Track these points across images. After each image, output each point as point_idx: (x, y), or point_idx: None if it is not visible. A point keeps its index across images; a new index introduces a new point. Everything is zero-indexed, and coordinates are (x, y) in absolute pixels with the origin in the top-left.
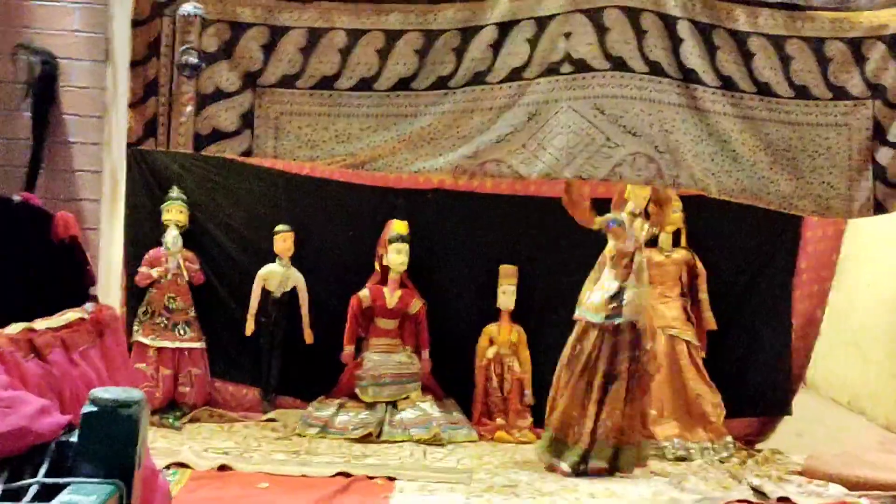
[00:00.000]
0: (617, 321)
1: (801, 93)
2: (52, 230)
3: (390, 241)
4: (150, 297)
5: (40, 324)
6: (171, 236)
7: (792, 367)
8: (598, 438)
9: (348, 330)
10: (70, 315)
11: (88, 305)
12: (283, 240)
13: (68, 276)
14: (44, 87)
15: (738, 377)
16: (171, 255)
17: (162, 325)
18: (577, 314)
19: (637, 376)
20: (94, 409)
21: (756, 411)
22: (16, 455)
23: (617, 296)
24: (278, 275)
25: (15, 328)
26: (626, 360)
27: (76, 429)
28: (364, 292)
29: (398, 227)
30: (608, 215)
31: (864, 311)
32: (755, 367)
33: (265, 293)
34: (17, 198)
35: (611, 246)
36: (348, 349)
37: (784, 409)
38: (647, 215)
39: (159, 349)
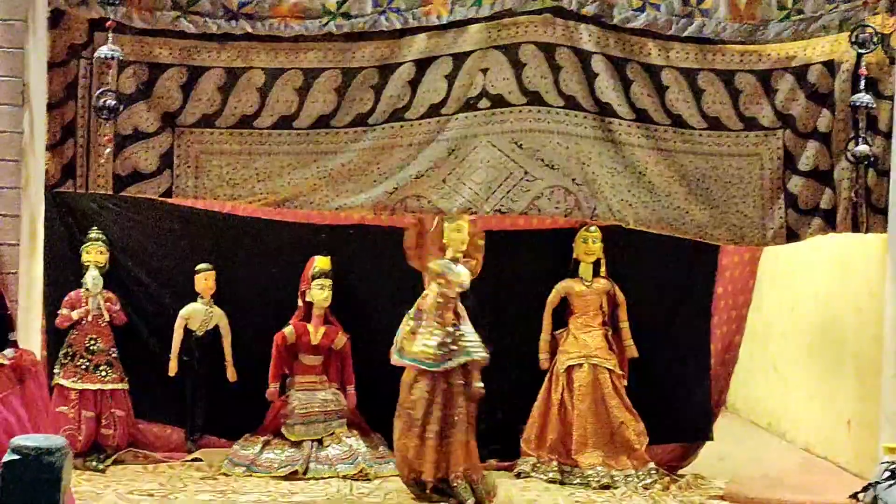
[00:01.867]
0: (449, 365)
1: (714, 124)
2: None
3: (313, 277)
4: (70, 339)
5: None
6: (91, 277)
7: (712, 393)
8: (453, 483)
9: (273, 367)
10: None
11: (8, 351)
12: (205, 279)
13: None
14: None
15: (659, 404)
16: (92, 297)
17: (83, 367)
18: (406, 362)
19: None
20: (17, 457)
21: (678, 437)
22: None
23: (447, 342)
24: (200, 314)
25: None
26: (464, 402)
27: None
28: (289, 329)
29: (321, 262)
30: (444, 261)
31: (782, 335)
32: (676, 393)
33: (188, 332)
34: None
35: (436, 292)
36: (273, 386)
37: (705, 434)
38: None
39: (81, 391)
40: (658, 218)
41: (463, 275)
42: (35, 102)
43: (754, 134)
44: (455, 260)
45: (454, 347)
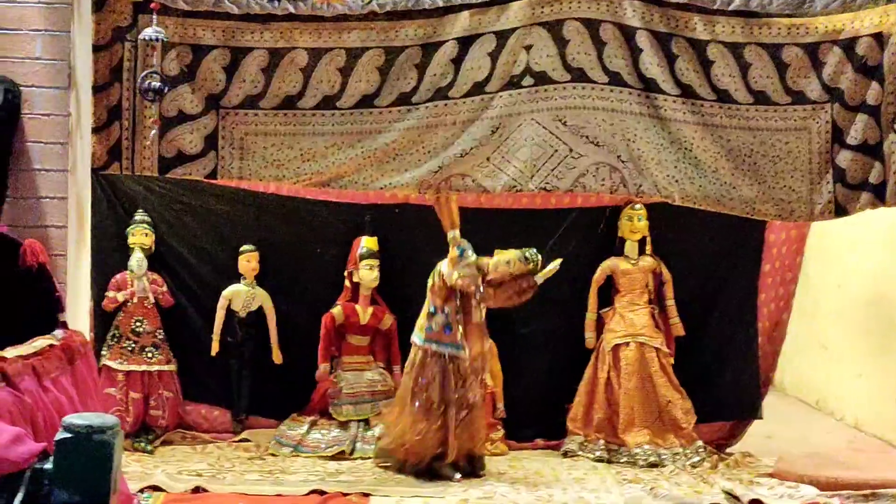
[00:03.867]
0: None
1: (761, 98)
2: (19, 258)
3: (361, 258)
4: (117, 322)
5: (10, 352)
6: (136, 259)
7: (760, 370)
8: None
9: (322, 348)
10: (40, 342)
11: (58, 332)
12: (248, 259)
13: (37, 304)
14: (7, 116)
15: (706, 382)
16: (137, 279)
17: (130, 348)
18: (423, 343)
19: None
20: (68, 435)
21: (725, 415)
22: None
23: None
24: (243, 294)
25: None
26: (477, 383)
27: (50, 456)
28: (337, 309)
29: (369, 243)
30: (462, 241)
31: (830, 313)
32: (723, 371)
33: (231, 313)
34: None
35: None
36: (323, 367)
37: (753, 412)
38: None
39: (128, 373)
40: (704, 194)
41: (452, 276)
42: (81, 85)
43: (802, 108)
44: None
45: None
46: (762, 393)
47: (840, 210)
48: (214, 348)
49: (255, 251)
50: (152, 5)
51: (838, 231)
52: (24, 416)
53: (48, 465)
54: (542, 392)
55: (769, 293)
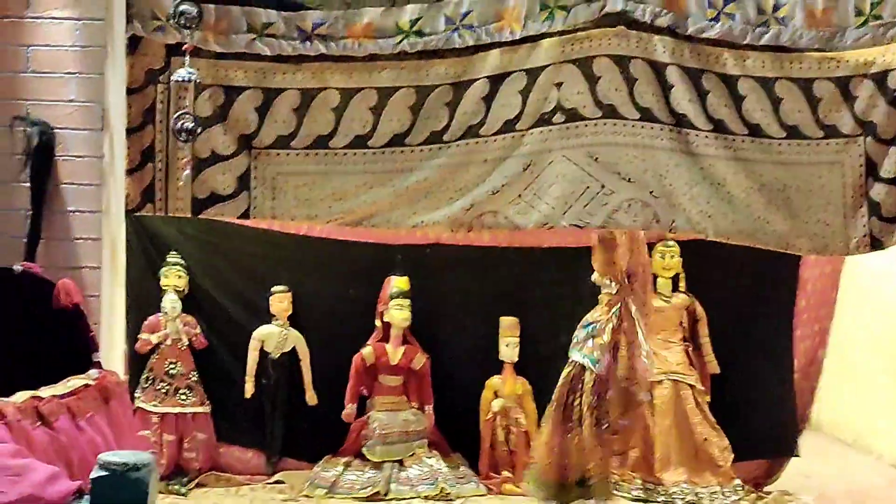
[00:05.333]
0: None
1: (793, 133)
2: (54, 298)
3: (392, 298)
4: (151, 364)
5: (46, 391)
6: (170, 301)
7: (797, 408)
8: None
9: (350, 388)
10: (75, 382)
11: (93, 372)
12: (280, 300)
13: (71, 344)
14: (42, 158)
15: (743, 420)
16: (170, 321)
17: (164, 390)
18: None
19: None
20: (104, 473)
21: (763, 453)
22: None
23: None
24: (275, 336)
25: (21, 396)
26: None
27: (86, 494)
28: (367, 350)
29: (399, 283)
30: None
31: (864, 348)
32: (760, 409)
33: (264, 354)
34: (18, 268)
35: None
36: (350, 408)
37: (791, 450)
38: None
39: (162, 415)
40: (738, 229)
41: None
42: (115, 127)
43: (835, 142)
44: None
45: None
46: (799, 430)
47: (876, 243)
48: (249, 390)
49: (287, 292)
50: (185, 47)
51: (872, 264)
52: (60, 455)
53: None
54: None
55: (804, 329)
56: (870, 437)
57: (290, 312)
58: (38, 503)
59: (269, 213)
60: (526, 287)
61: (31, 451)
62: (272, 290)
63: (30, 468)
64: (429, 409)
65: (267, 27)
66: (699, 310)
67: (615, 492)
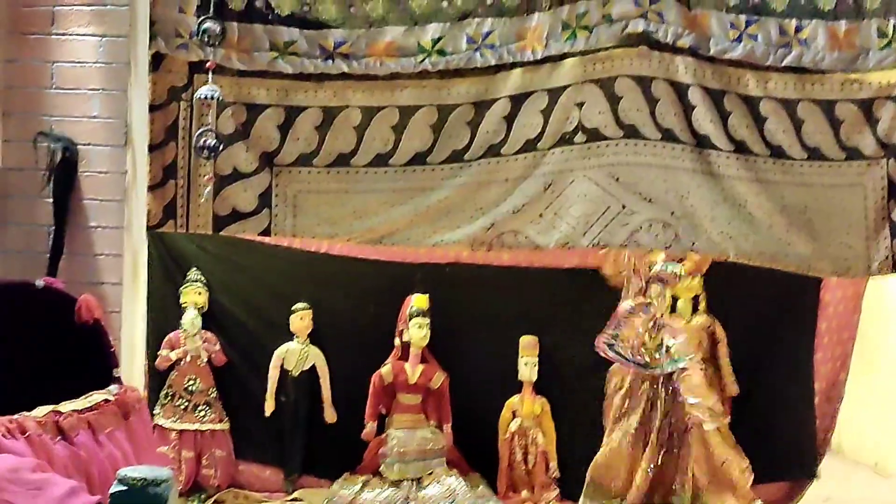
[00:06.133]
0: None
1: (815, 154)
2: (75, 313)
3: (411, 317)
4: (170, 380)
5: (66, 406)
6: (189, 318)
7: (818, 430)
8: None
9: (369, 407)
10: (95, 397)
11: (113, 387)
12: (301, 318)
13: (92, 359)
14: (64, 173)
15: (764, 442)
16: (190, 337)
17: (182, 407)
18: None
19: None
20: (123, 488)
21: (783, 476)
22: None
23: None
24: (296, 353)
25: (41, 411)
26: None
27: None
28: (386, 369)
29: (419, 301)
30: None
31: (886, 372)
32: (780, 431)
33: (284, 372)
34: (40, 283)
35: None
36: (369, 426)
37: (811, 473)
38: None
39: (181, 432)
40: (759, 251)
41: None
42: (137, 143)
43: (857, 164)
44: None
45: None
46: (821, 453)
47: None
48: (269, 408)
49: (308, 309)
50: (208, 65)
51: (894, 286)
52: (79, 469)
53: None
54: (596, 451)
55: (826, 352)
56: (891, 461)
57: (310, 330)
58: None
59: (290, 231)
60: (544, 306)
61: (52, 465)
62: (293, 307)
63: (50, 482)
64: (447, 427)
65: (289, 45)
66: (719, 331)
67: None
